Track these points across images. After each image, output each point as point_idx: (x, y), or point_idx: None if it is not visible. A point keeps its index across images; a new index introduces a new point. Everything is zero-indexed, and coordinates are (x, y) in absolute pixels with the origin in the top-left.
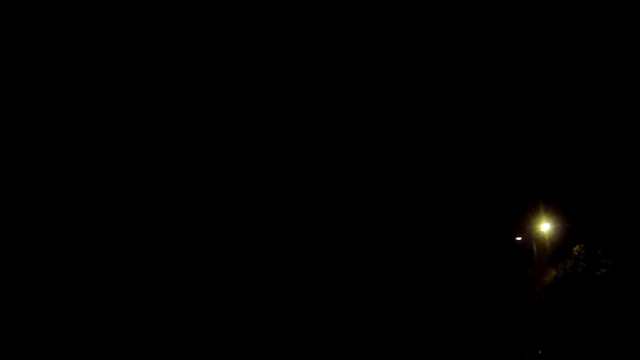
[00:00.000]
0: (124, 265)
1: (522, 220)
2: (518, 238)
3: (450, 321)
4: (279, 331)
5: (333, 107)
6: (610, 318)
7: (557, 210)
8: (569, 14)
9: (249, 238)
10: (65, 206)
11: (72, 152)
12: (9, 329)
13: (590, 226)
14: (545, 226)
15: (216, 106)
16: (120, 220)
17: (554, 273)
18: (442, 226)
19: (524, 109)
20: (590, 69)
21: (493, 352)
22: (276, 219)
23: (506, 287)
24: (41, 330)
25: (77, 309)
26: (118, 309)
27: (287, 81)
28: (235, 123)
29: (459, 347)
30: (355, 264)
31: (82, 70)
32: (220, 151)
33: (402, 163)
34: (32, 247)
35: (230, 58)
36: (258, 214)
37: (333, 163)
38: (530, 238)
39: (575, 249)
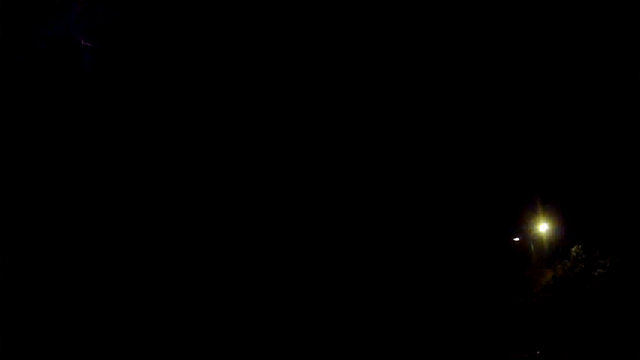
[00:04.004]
0: (123, 266)
1: (520, 220)
2: (516, 239)
3: (447, 321)
4: (279, 331)
5: (332, 106)
6: (608, 318)
7: (556, 210)
8: (569, 14)
9: (249, 239)
10: (65, 207)
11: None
12: (9, 329)
13: (588, 226)
14: (543, 227)
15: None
16: (120, 221)
17: (552, 273)
18: (439, 227)
19: (521, 109)
20: (589, 68)
21: (491, 353)
22: (276, 219)
23: (503, 288)
24: (41, 330)
25: (77, 309)
26: (117, 309)
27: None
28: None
29: (457, 347)
30: (352, 263)
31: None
32: (220, 151)
33: (399, 162)
34: (32, 247)
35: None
36: (257, 215)
37: (331, 162)
38: (528, 238)
39: (573, 249)
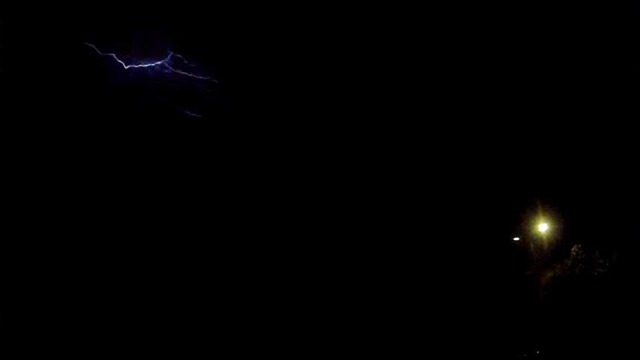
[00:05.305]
0: (123, 266)
1: (520, 220)
2: (516, 239)
3: (447, 321)
4: (279, 331)
5: (332, 107)
6: (608, 318)
7: (555, 210)
8: (568, 14)
9: (249, 238)
10: (66, 207)
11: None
12: (9, 329)
13: (588, 226)
14: (542, 227)
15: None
16: (120, 221)
17: (552, 273)
18: (439, 227)
19: (521, 108)
20: (588, 68)
21: (491, 352)
22: (276, 219)
23: (503, 287)
24: (41, 330)
25: (77, 309)
26: (117, 309)
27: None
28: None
29: (457, 347)
30: (352, 264)
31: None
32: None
33: (398, 163)
34: (32, 247)
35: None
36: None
37: (331, 162)
38: (528, 238)
39: (572, 249)
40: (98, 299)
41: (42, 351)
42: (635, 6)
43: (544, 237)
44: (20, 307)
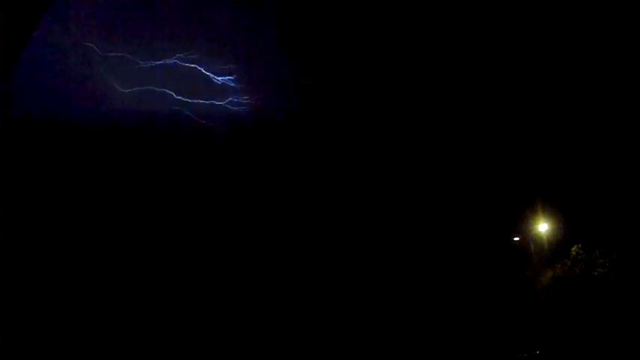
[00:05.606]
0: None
1: (520, 220)
2: (516, 239)
3: (447, 321)
4: (278, 331)
5: (329, 105)
6: (608, 318)
7: (555, 210)
8: (568, 14)
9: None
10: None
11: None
12: (9, 329)
13: (588, 226)
14: (542, 227)
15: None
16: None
17: (552, 273)
18: (439, 227)
19: (521, 108)
20: (588, 68)
21: (491, 352)
22: (276, 218)
23: (503, 287)
24: (41, 330)
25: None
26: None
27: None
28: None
29: (457, 347)
30: (353, 264)
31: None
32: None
33: (397, 162)
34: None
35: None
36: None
37: (330, 163)
38: (528, 238)
39: (572, 249)
40: (98, 299)
41: (42, 351)
42: (635, 6)
43: (544, 237)
44: (20, 307)
